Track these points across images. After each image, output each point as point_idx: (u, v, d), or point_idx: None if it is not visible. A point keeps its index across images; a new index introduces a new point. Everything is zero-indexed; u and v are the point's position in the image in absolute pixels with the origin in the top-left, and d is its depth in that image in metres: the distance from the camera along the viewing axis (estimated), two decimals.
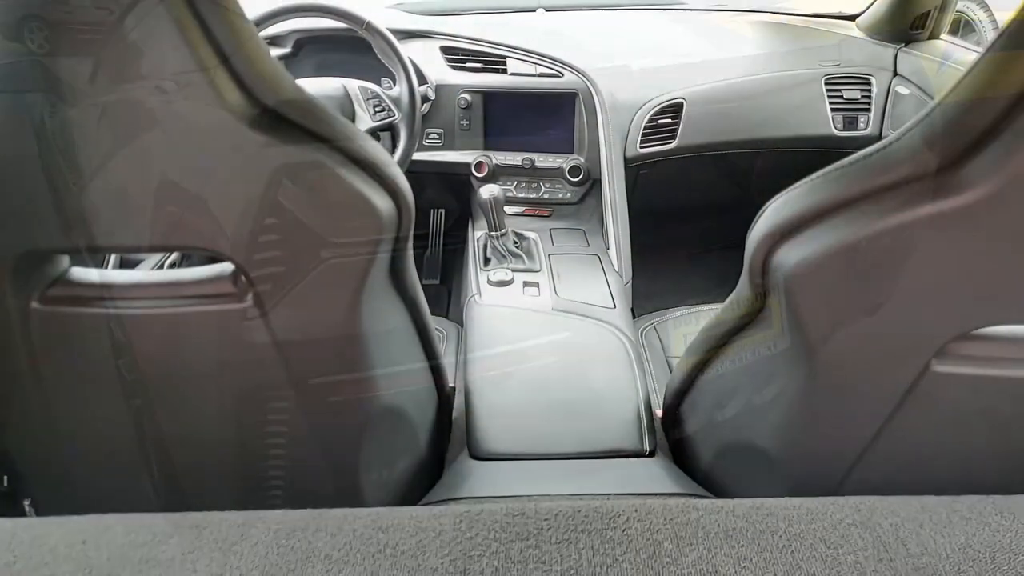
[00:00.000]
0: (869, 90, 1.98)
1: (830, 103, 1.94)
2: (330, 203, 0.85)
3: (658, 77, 1.96)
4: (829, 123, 1.95)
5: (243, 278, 0.88)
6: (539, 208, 1.97)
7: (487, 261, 1.70)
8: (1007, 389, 0.82)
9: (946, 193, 0.70)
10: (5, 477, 1.12)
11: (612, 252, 1.79)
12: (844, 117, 1.96)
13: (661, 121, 1.91)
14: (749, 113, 1.94)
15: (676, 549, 0.70)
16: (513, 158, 1.95)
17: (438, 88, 1.93)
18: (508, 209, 1.92)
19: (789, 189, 0.83)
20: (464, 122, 1.95)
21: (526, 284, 1.60)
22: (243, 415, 0.99)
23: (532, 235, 1.79)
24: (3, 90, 0.76)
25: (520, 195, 1.97)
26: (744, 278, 0.90)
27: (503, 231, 1.70)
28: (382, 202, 0.87)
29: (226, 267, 0.89)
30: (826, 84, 1.96)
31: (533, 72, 1.93)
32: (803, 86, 1.96)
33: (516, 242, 1.73)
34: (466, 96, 1.94)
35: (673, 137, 1.92)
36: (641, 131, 1.90)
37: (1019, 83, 0.65)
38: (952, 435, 0.88)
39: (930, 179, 0.72)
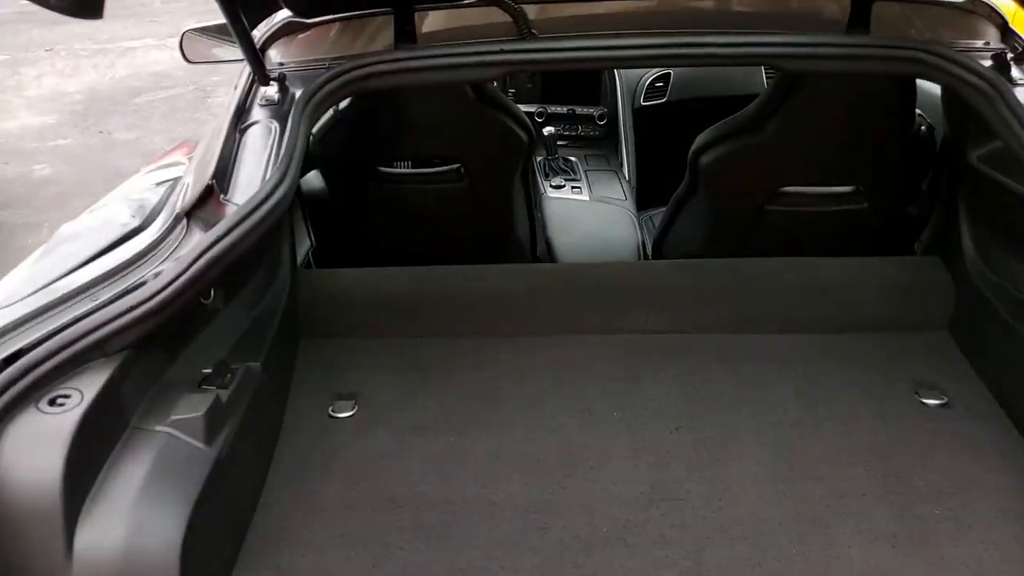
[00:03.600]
0: None
1: (765, 73, 2.96)
2: (503, 136, 1.94)
3: None
4: (764, 86, 2.98)
5: (462, 170, 1.97)
6: (578, 141, 3.03)
7: (547, 175, 2.77)
8: (797, 217, 1.92)
9: (759, 135, 1.79)
10: None
11: (625, 168, 2.86)
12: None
13: (656, 84, 2.95)
14: (713, 80, 2.96)
15: (648, 266, 1.82)
16: (561, 109, 3.01)
17: None
18: (559, 142, 2.97)
19: (710, 128, 1.91)
20: (529, 85, 3.00)
21: (572, 188, 2.67)
22: (459, 237, 2.09)
23: (573, 158, 2.85)
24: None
25: (566, 133, 3.03)
26: (688, 172, 1.99)
27: (556, 156, 2.77)
28: (524, 135, 1.96)
29: (454, 165, 1.98)
30: None
31: None
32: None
33: (564, 162, 2.80)
34: None
35: (664, 95, 2.96)
36: (644, 91, 2.94)
37: (786, 84, 1.72)
38: (781, 240, 1.98)
39: (755, 127, 1.80)
